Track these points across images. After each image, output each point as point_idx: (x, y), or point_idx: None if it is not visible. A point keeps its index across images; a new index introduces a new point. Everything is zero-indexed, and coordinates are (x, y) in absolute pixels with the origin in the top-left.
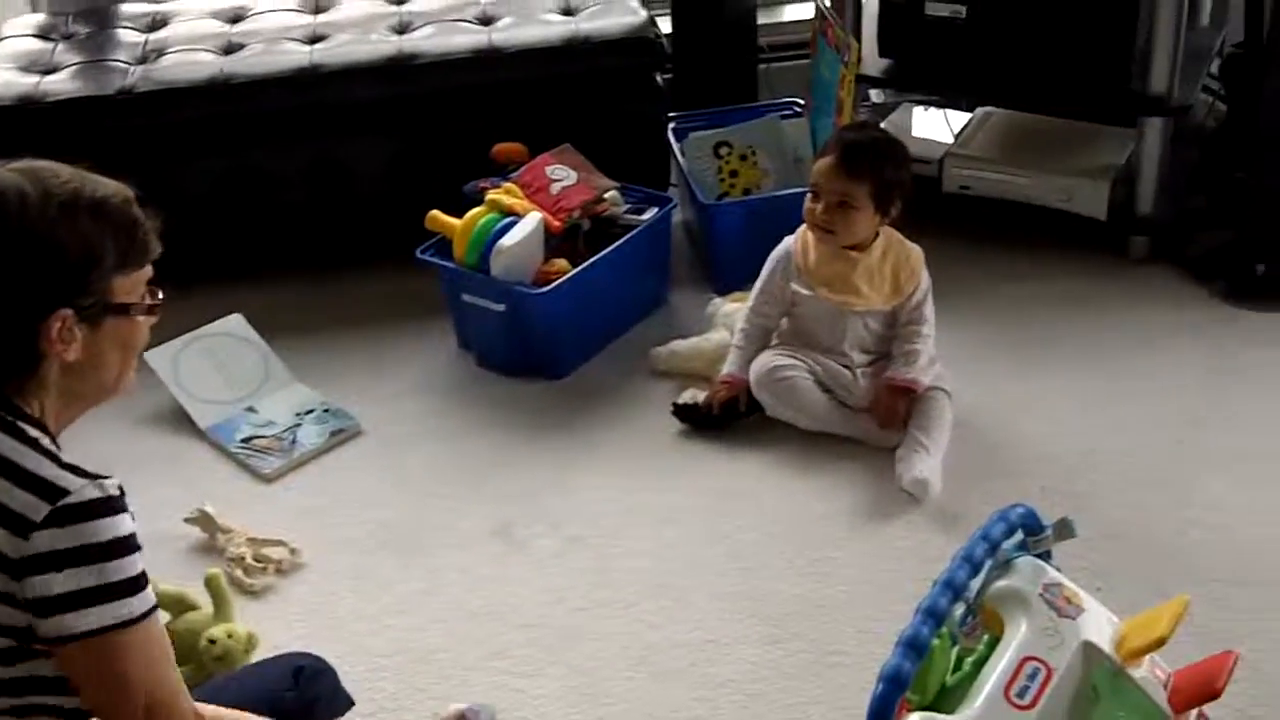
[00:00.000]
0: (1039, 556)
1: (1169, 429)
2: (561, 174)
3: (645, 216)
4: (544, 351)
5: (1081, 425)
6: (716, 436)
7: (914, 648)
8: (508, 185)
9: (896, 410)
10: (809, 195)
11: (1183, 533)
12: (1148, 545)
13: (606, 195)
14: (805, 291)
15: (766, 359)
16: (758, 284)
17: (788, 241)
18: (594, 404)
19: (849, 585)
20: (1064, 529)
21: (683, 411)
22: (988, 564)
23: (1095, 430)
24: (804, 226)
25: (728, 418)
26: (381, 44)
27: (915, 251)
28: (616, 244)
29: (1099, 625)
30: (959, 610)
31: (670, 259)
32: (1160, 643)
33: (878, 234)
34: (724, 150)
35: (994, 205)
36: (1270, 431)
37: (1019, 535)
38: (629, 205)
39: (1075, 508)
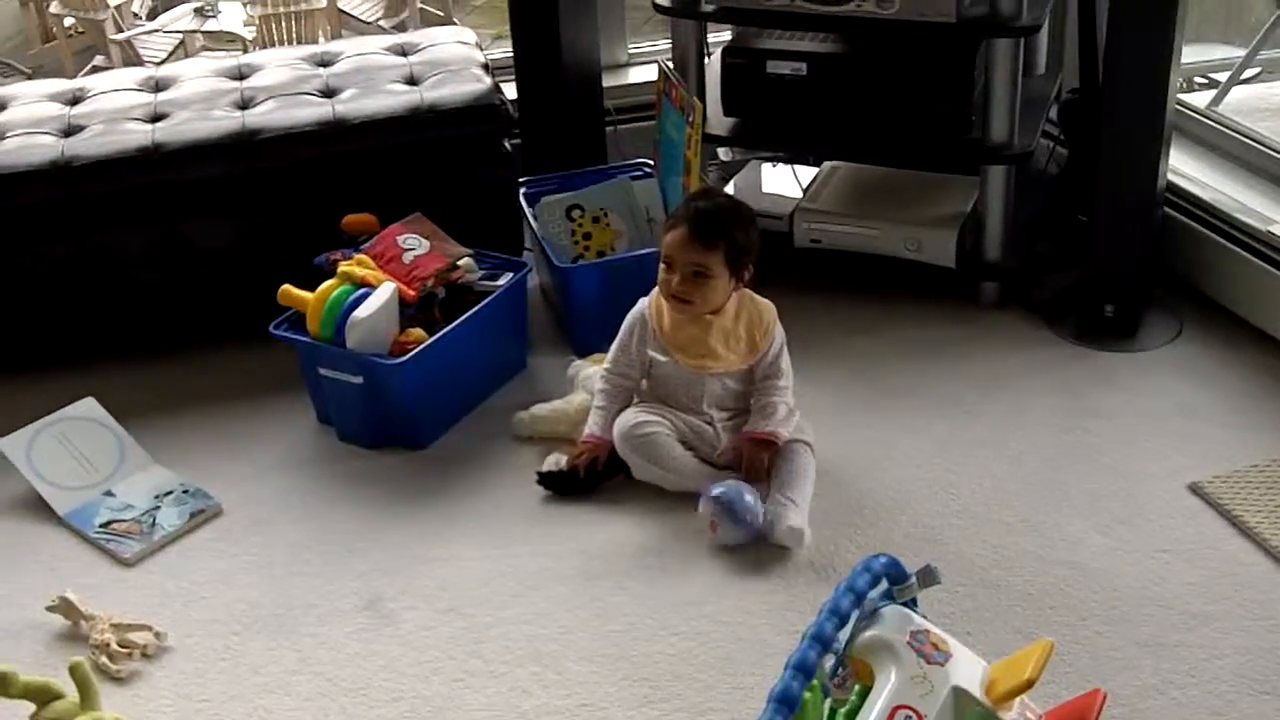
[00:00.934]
0: (905, 604)
1: (1027, 471)
2: (413, 243)
3: (501, 282)
4: (405, 422)
5: (941, 471)
6: (583, 500)
7: (786, 703)
8: (359, 256)
9: (760, 463)
10: (662, 266)
11: (1045, 573)
12: (1012, 588)
13: (460, 262)
14: (661, 357)
15: (629, 416)
16: (615, 345)
17: (641, 305)
18: (458, 472)
19: (722, 643)
20: (928, 576)
21: (548, 479)
22: (855, 614)
23: (955, 475)
24: (656, 291)
25: (593, 481)
26: (224, 120)
27: (768, 308)
28: (473, 311)
29: (968, 670)
30: (829, 662)
31: (528, 323)
32: (1029, 684)
33: (730, 296)
34: (576, 213)
35: (845, 258)
36: (1125, 470)
37: (884, 584)
38: (484, 271)
39: (939, 554)
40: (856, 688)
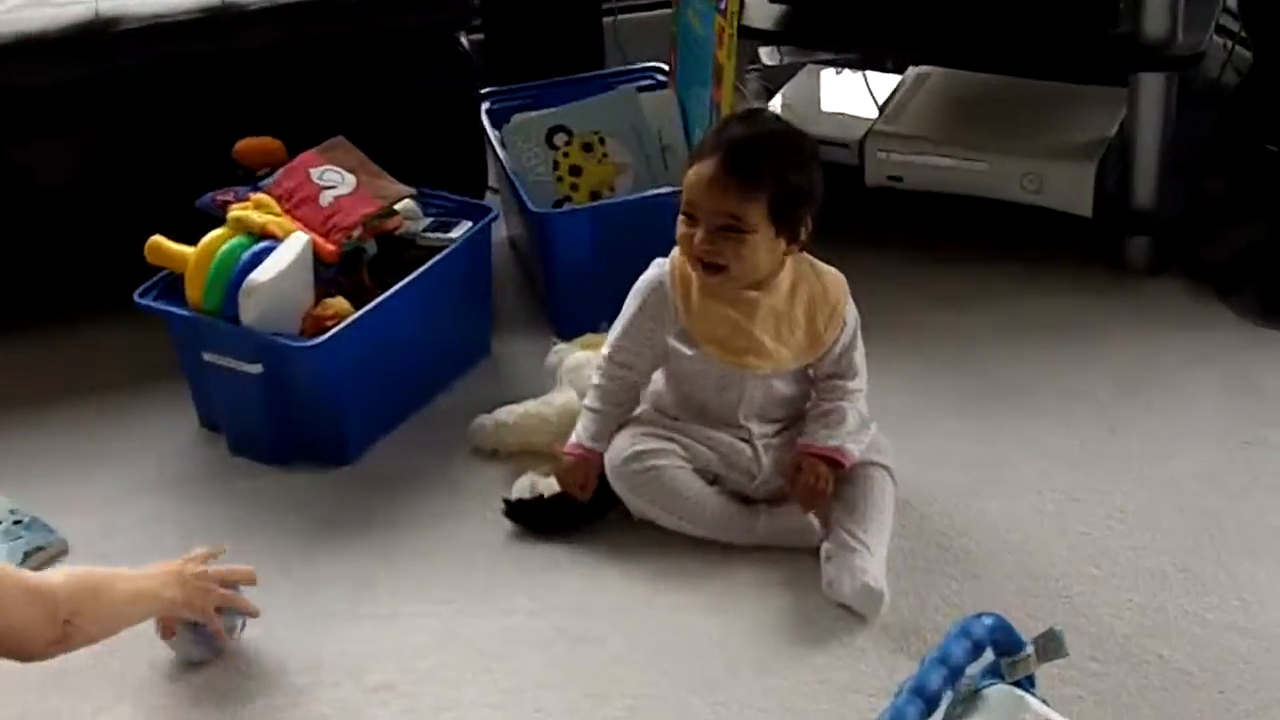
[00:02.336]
0: (1018, 684)
1: (1189, 500)
2: (334, 179)
3: (454, 234)
4: (321, 428)
5: (1069, 501)
6: (566, 538)
7: None
8: (258, 197)
9: (820, 488)
10: (682, 218)
11: (1212, 643)
12: (1167, 664)
13: (399, 206)
14: (685, 349)
15: (625, 442)
16: (619, 324)
17: (658, 269)
18: (395, 498)
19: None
20: (1050, 645)
21: (519, 510)
22: (947, 697)
23: (1088, 507)
24: (677, 251)
25: (580, 513)
26: (71, 6)
27: (836, 281)
28: (416, 273)
29: None
30: None
31: (492, 292)
32: None
33: (783, 263)
34: (561, 138)
35: (936, 202)
36: (1271, 499)
37: (988, 655)
38: (431, 219)
39: (1065, 615)
40: None
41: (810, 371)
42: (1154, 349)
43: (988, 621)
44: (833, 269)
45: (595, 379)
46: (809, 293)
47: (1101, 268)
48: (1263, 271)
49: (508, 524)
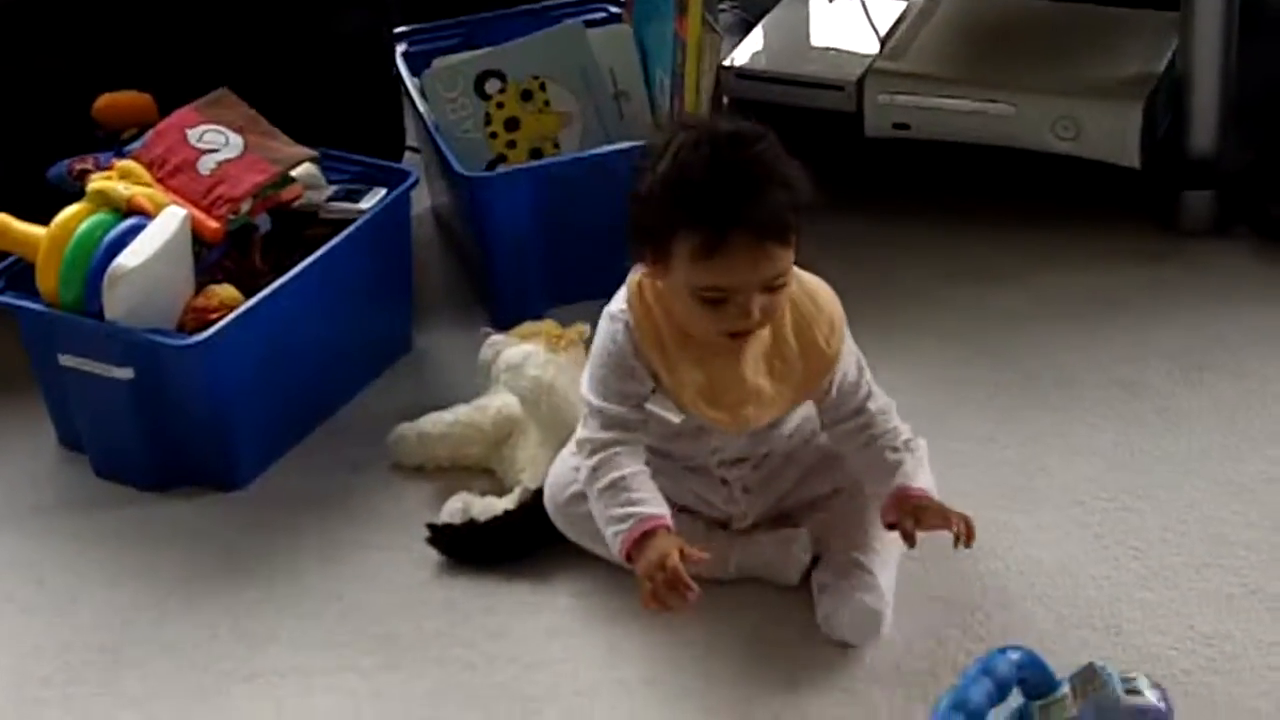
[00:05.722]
0: None
1: (1262, 508)
2: (216, 140)
3: (365, 205)
4: (206, 444)
5: (1115, 509)
6: (505, 574)
7: None
8: (125, 164)
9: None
10: (699, 306)
11: None
12: (1236, 702)
13: (295, 173)
14: (674, 418)
15: (567, 476)
16: (595, 387)
17: (613, 324)
18: (297, 531)
19: None
20: (1092, 683)
21: (444, 536)
22: None
23: (1139, 516)
24: (628, 310)
25: (520, 543)
26: None
27: (820, 286)
28: (319, 253)
29: None
30: None
31: (414, 274)
32: None
33: None
34: (494, 85)
35: (951, 154)
36: None
37: (1016, 697)
38: (337, 187)
39: (1115, 649)
40: None
41: (822, 419)
42: (1218, 327)
43: (1014, 656)
44: (811, 275)
45: (593, 463)
46: (794, 306)
47: (1152, 230)
48: None
49: (437, 557)
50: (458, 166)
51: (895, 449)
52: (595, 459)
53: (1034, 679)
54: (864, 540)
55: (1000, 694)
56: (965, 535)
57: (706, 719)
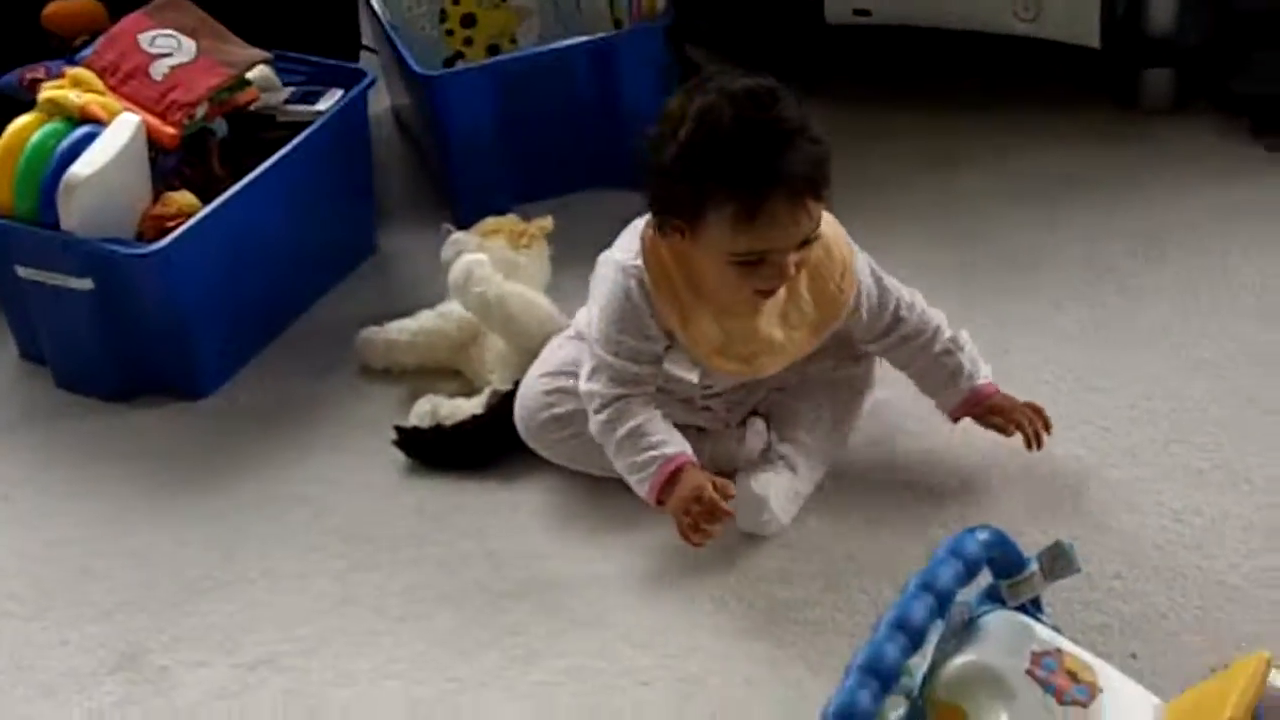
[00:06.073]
0: (1022, 609)
1: (1227, 385)
2: (168, 45)
3: (322, 106)
4: (170, 354)
5: (1081, 390)
6: (474, 476)
7: None
8: (76, 72)
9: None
10: (738, 268)
11: (1261, 552)
12: (1205, 576)
13: (251, 75)
14: (690, 376)
15: (539, 399)
16: (602, 339)
17: (624, 275)
18: (264, 438)
19: (709, 681)
20: (1060, 560)
21: (411, 439)
22: (937, 629)
23: (1105, 396)
24: (639, 263)
25: (489, 447)
26: None
27: (829, 231)
28: (277, 156)
29: (1130, 712)
30: (897, 711)
31: (374, 176)
32: None
33: None
34: None
35: (910, 38)
36: None
37: (986, 577)
38: (293, 89)
39: (1084, 527)
40: None
41: (861, 339)
42: (1180, 203)
43: (981, 536)
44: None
45: (605, 416)
46: (810, 251)
47: (1114, 109)
48: None
49: (405, 460)
50: (415, 65)
51: (949, 352)
52: (606, 413)
53: (1002, 558)
54: (791, 433)
55: (969, 574)
56: (1037, 433)
57: (684, 609)
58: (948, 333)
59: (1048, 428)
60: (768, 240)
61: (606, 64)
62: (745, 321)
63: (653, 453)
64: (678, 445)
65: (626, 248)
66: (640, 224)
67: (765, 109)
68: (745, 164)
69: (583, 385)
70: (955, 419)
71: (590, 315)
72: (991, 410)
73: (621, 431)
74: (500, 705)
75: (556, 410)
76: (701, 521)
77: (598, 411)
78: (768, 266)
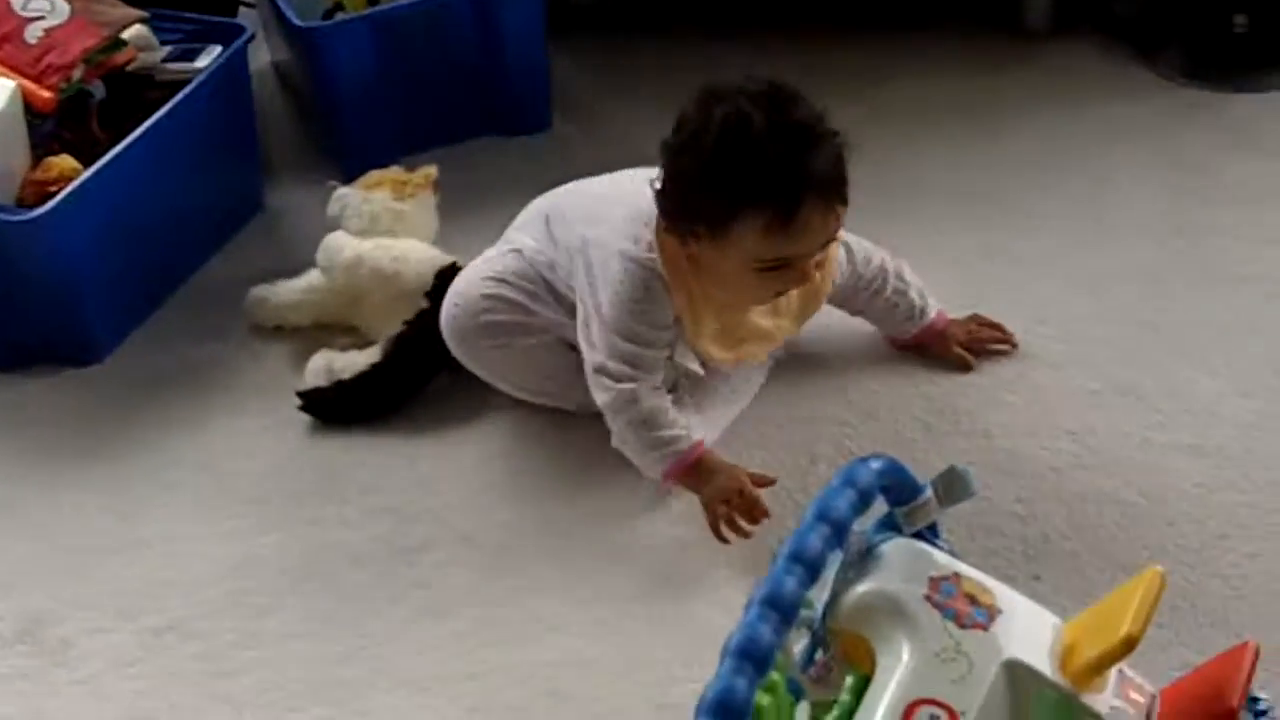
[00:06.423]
0: (919, 535)
1: (1115, 303)
2: (40, 6)
3: (201, 64)
4: (57, 321)
5: (983, 311)
6: (376, 430)
7: (729, 713)
8: None
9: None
10: (761, 273)
11: (1157, 468)
12: (1102, 495)
13: (127, 35)
14: (699, 369)
15: (476, 302)
16: (617, 329)
17: (638, 266)
18: (158, 402)
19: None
20: (955, 485)
21: (316, 400)
22: (835, 559)
23: (1004, 320)
24: (656, 256)
25: (391, 396)
26: None
27: None
28: (158, 116)
29: (1030, 633)
30: (799, 644)
31: (259, 133)
32: (1129, 646)
33: None
34: None
35: None
36: (1211, 292)
37: (880, 505)
38: (172, 47)
39: (983, 452)
40: (848, 680)
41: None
42: (1065, 128)
43: (875, 465)
44: None
45: (624, 413)
46: None
47: (995, 35)
48: (1187, 22)
49: (303, 417)
50: (293, 18)
51: (900, 292)
52: (618, 388)
53: (897, 486)
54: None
55: (863, 502)
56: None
57: (591, 554)
58: (893, 271)
59: (1001, 330)
60: (798, 246)
61: (488, 11)
62: (740, 313)
63: (677, 432)
64: (695, 432)
65: (629, 236)
66: (639, 213)
67: (790, 113)
68: (780, 174)
69: (594, 360)
70: (902, 349)
71: (596, 299)
72: (944, 339)
73: (633, 413)
74: (411, 659)
75: (494, 317)
76: (738, 516)
77: (603, 391)
78: (791, 271)
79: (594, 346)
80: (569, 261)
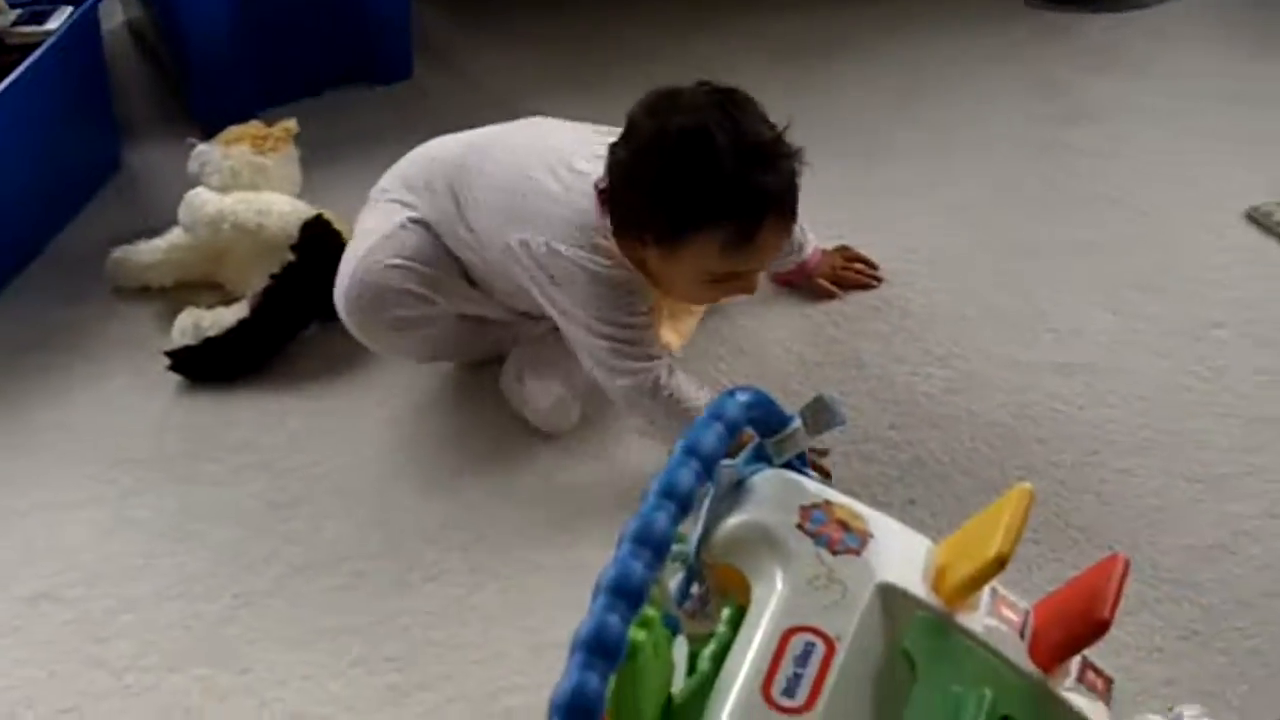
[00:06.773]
0: (789, 466)
1: (987, 225)
2: None
3: (52, 25)
4: None
5: (854, 241)
6: (247, 386)
7: (602, 652)
8: None
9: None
10: (710, 282)
11: (1029, 388)
12: (975, 418)
13: None
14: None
15: (383, 279)
16: (614, 324)
17: (615, 276)
18: (21, 369)
19: (499, 570)
20: (822, 413)
21: (184, 359)
22: (705, 492)
23: (870, 247)
24: (611, 263)
25: (258, 351)
26: None
27: None
28: (10, 80)
29: (902, 555)
30: (674, 578)
31: (113, 92)
32: (1000, 564)
33: None
34: None
35: None
36: (1141, 201)
37: (751, 437)
38: (21, 10)
39: (857, 380)
40: (725, 612)
41: None
42: (929, 56)
43: (742, 398)
44: None
45: (659, 393)
46: None
47: None
48: None
49: (172, 378)
50: None
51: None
52: (638, 367)
53: (765, 418)
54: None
55: (731, 435)
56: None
57: (467, 502)
58: None
59: (868, 263)
60: (752, 262)
61: None
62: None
63: (705, 397)
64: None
65: (586, 247)
66: (587, 220)
67: (748, 128)
68: (742, 194)
69: (599, 355)
70: (782, 284)
71: (575, 310)
72: (815, 274)
73: (668, 391)
74: (288, 613)
75: (402, 312)
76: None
77: (633, 370)
78: (741, 280)
79: (594, 346)
80: (494, 254)
